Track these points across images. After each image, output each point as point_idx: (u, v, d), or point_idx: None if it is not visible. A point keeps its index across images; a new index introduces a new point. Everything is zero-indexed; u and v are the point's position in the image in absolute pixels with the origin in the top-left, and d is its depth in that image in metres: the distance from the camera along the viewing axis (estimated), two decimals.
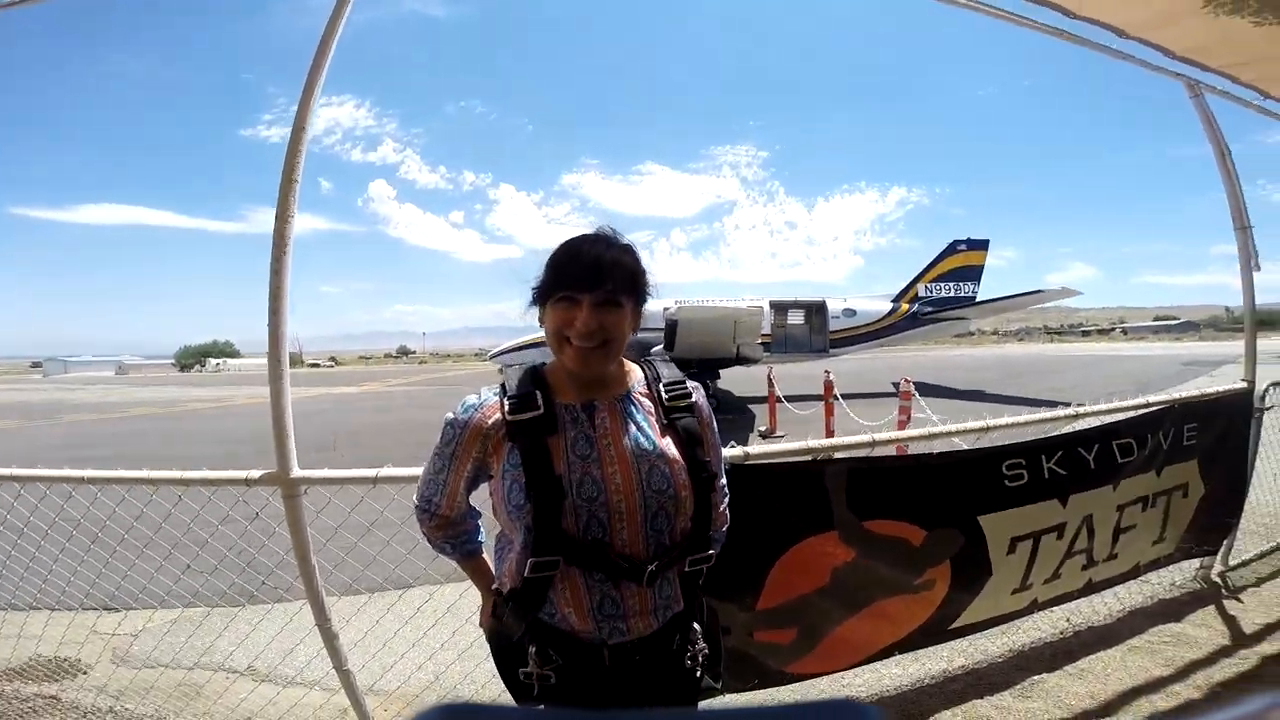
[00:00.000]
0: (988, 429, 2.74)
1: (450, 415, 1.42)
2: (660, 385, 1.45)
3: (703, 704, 1.56)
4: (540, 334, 1.43)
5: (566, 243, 1.37)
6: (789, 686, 2.64)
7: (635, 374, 1.47)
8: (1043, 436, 2.86)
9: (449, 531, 1.56)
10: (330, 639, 2.41)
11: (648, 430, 1.38)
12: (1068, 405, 3.09)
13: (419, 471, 1.57)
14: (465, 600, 2.95)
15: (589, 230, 1.40)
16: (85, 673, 3.24)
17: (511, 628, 1.39)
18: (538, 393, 1.36)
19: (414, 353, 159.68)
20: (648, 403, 1.43)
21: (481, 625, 1.58)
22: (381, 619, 3.04)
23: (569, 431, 1.35)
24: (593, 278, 1.31)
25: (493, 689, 2.73)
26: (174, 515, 2.65)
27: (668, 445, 1.37)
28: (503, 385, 1.42)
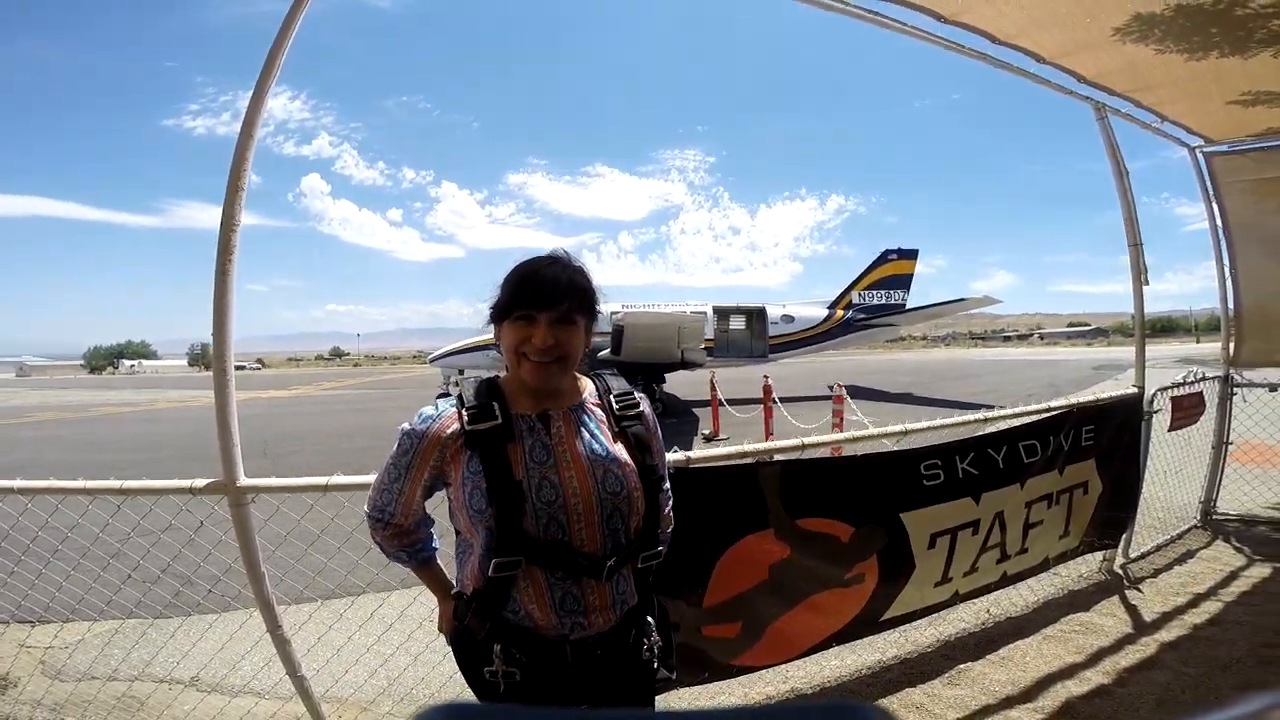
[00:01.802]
0: (906, 433, 2.96)
1: (406, 426, 1.48)
2: (611, 396, 1.55)
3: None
4: (481, 338, 1.50)
5: (523, 264, 1.46)
6: (741, 680, 2.79)
7: (587, 386, 1.57)
8: (957, 439, 3.09)
9: (404, 540, 1.62)
10: (283, 645, 2.40)
11: (601, 437, 1.48)
12: (990, 408, 3.35)
13: (370, 479, 1.61)
14: (417, 605, 2.96)
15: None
16: (14, 686, 3.10)
17: (475, 628, 1.45)
18: (495, 404, 1.44)
19: (347, 354, 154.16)
20: (600, 412, 1.53)
21: (440, 630, 1.64)
22: (334, 625, 3.02)
23: (526, 440, 1.43)
24: (549, 297, 1.40)
25: (449, 692, 2.77)
26: (112, 525, 2.56)
27: (620, 451, 1.48)
28: (459, 397, 1.49)
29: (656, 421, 1.63)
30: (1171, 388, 4.27)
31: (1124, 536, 4.05)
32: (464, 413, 1.43)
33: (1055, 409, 3.48)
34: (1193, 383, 4.43)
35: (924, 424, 2.99)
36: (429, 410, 1.48)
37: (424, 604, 1.67)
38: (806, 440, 2.71)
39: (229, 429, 2.22)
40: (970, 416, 3.25)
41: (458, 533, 1.51)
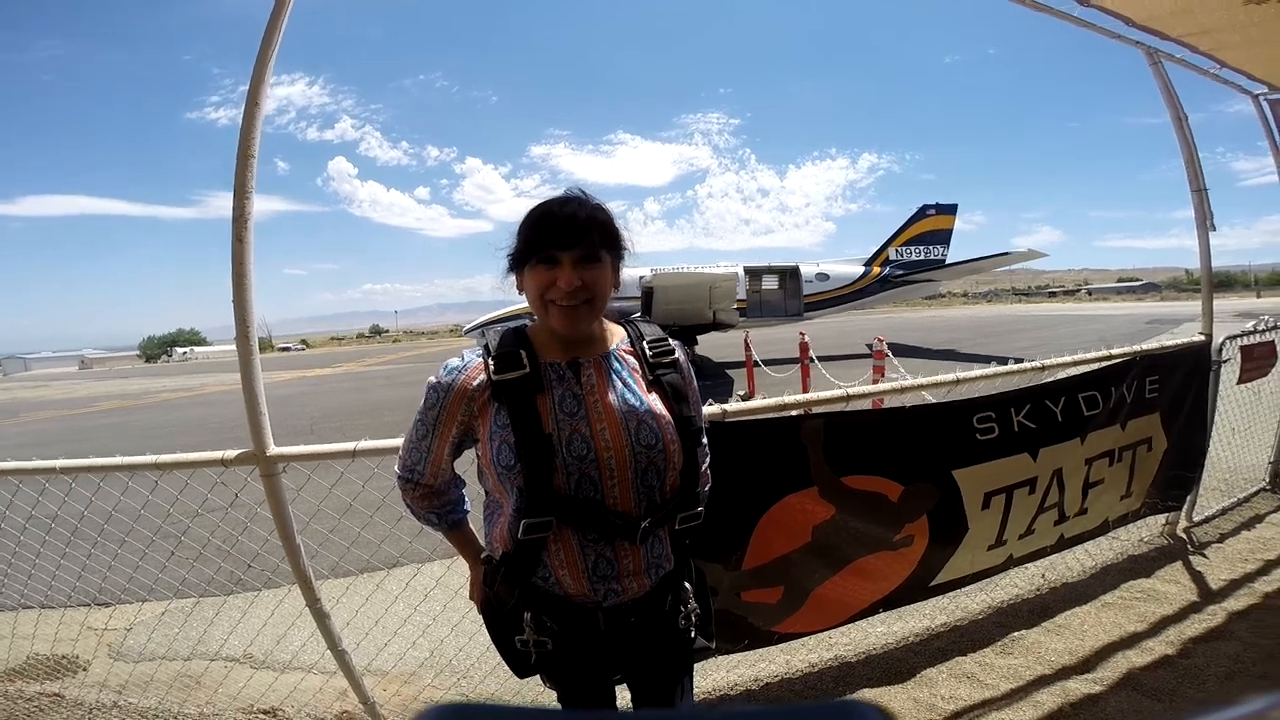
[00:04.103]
0: (958, 382, 2.79)
1: (433, 379, 1.39)
2: (644, 343, 1.45)
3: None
4: (517, 307, 1.41)
5: (539, 205, 1.36)
6: (782, 647, 2.70)
7: (618, 333, 1.47)
8: (1011, 389, 2.90)
9: (434, 502, 1.54)
10: (322, 619, 2.39)
11: (634, 387, 1.38)
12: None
13: (399, 442, 1.54)
14: (453, 574, 2.95)
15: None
16: (84, 669, 3.21)
17: (505, 595, 1.39)
18: (522, 352, 1.35)
19: (387, 332, 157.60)
20: (632, 360, 1.43)
21: (472, 598, 1.57)
22: (371, 597, 3.02)
23: (556, 390, 1.34)
24: (571, 235, 1.30)
25: (488, 662, 2.75)
26: (152, 502, 2.58)
27: (654, 401, 1.38)
28: (486, 346, 1.39)
29: (692, 370, 1.52)
30: (1241, 336, 3.99)
31: (1188, 498, 3.83)
32: (490, 362, 1.35)
33: (1117, 356, 3.27)
34: (1264, 331, 4.12)
35: (977, 372, 2.80)
36: (455, 361, 1.40)
37: (459, 572, 1.62)
38: (851, 391, 2.57)
39: (255, 398, 2.18)
40: (1026, 366, 3.05)
41: (486, 493, 1.44)
